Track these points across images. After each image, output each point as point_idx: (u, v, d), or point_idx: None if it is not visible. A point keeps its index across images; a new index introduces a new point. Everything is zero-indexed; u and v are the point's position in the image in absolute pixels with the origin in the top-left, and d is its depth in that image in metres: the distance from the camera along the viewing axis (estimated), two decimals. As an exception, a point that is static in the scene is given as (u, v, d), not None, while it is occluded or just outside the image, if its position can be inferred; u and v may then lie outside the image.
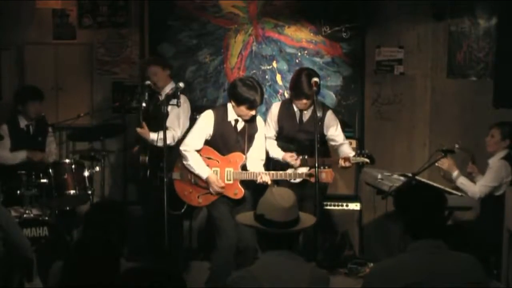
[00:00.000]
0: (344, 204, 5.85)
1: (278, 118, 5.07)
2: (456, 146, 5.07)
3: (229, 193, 4.68)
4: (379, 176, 5.18)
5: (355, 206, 5.88)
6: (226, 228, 4.63)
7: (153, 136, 5.11)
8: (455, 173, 5.02)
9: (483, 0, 5.83)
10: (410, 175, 5.11)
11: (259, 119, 4.84)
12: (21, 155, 5.48)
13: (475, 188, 4.93)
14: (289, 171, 4.82)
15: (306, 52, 6.21)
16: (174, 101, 4.80)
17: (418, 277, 2.60)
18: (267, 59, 6.27)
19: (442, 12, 6.06)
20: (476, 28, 5.91)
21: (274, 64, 6.25)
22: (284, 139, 5.10)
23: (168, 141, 4.81)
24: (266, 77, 6.25)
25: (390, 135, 6.26)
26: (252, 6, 6.26)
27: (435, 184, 4.88)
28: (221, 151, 4.71)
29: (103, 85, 6.44)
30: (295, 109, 5.01)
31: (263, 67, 6.24)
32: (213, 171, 4.68)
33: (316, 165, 4.49)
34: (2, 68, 6.47)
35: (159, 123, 4.81)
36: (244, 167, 4.71)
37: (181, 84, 4.76)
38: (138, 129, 5.19)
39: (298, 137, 5.03)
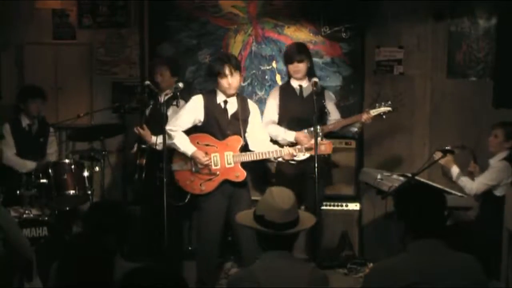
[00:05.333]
0: (344, 204, 5.84)
1: (280, 98, 5.24)
2: (456, 151, 5.09)
3: (230, 177, 4.71)
4: (379, 176, 5.18)
5: (355, 206, 5.87)
6: (207, 237, 4.76)
7: (154, 139, 5.12)
8: (453, 168, 5.02)
9: (483, 0, 5.83)
10: (409, 175, 5.11)
11: (251, 102, 4.92)
12: (30, 166, 5.46)
13: (473, 184, 4.94)
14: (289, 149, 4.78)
15: (305, 52, 6.20)
16: (173, 102, 4.82)
17: (418, 277, 2.60)
18: (267, 59, 6.26)
19: (442, 12, 6.06)
20: (476, 28, 5.91)
21: (274, 64, 6.25)
22: (287, 119, 5.18)
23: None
24: (266, 77, 6.24)
25: (389, 135, 6.25)
26: (251, 6, 6.26)
27: (435, 184, 4.89)
28: (217, 136, 4.74)
29: (103, 85, 6.43)
30: (294, 86, 5.20)
31: (262, 67, 6.24)
32: (213, 157, 4.70)
33: (316, 164, 4.51)
34: (2, 68, 6.47)
35: (159, 126, 4.81)
36: (243, 150, 4.75)
37: (181, 85, 4.77)
38: (140, 130, 5.18)
39: (302, 113, 5.07)
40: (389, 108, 5.07)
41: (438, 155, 5.07)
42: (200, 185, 4.73)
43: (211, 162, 4.70)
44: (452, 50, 6.08)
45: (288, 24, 6.21)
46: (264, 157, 4.74)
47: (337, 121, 5.23)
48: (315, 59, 6.18)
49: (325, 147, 4.71)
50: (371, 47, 6.20)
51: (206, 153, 4.71)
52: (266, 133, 4.97)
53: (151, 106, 5.49)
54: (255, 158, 4.72)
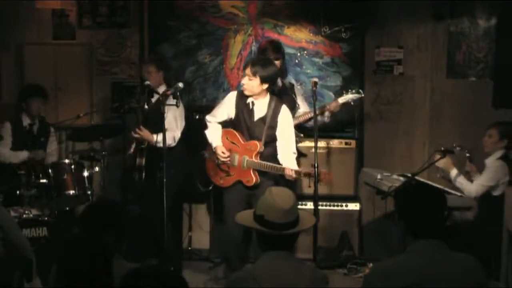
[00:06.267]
0: (344, 204, 5.85)
1: None
2: (457, 148, 5.08)
3: (242, 179, 4.82)
4: (379, 176, 5.18)
5: (354, 206, 5.87)
6: (229, 224, 4.84)
7: (156, 137, 5.09)
8: (453, 171, 5.02)
9: (483, 0, 5.83)
10: (409, 175, 5.11)
11: (284, 111, 4.84)
12: (22, 155, 5.49)
13: (472, 187, 4.94)
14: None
15: (305, 52, 6.20)
16: (173, 101, 4.82)
17: (418, 277, 2.60)
18: (267, 59, 6.25)
19: (442, 12, 6.06)
20: (476, 28, 5.91)
21: (274, 64, 6.24)
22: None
23: (169, 142, 4.88)
24: (266, 77, 6.23)
25: (389, 135, 6.25)
26: (251, 6, 6.26)
27: (434, 184, 4.89)
28: (244, 136, 4.84)
29: (103, 85, 6.43)
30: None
31: (262, 67, 6.22)
32: (234, 156, 4.83)
33: (316, 164, 4.52)
34: (2, 68, 6.47)
35: (157, 125, 4.81)
36: (266, 158, 4.75)
37: (181, 84, 4.77)
38: (139, 132, 5.15)
39: None
40: (358, 95, 5.17)
41: (437, 156, 5.07)
42: (220, 179, 4.92)
43: (229, 161, 4.83)
44: (452, 50, 6.08)
45: (288, 24, 6.21)
46: (271, 171, 4.71)
47: (306, 113, 5.27)
48: (315, 59, 6.20)
49: (325, 176, 4.63)
50: (371, 47, 6.20)
51: (230, 151, 4.84)
52: (291, 147, 4.85)
53: (140, 105, 5.44)
54: (264, 169, 4.73)
